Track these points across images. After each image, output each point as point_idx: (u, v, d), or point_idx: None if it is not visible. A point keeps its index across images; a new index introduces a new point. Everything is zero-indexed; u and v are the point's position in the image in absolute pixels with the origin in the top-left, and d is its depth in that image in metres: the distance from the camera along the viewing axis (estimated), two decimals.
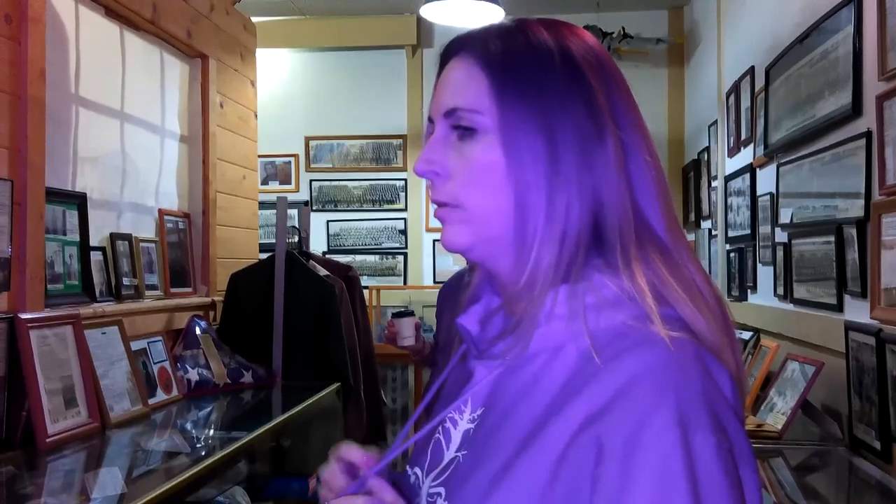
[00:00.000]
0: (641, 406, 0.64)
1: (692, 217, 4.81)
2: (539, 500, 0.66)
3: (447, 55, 0.82)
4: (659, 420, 0.63)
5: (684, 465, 0.62)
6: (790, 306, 2.72)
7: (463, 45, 0.80)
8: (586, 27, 5.02)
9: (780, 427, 2.18)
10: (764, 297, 3.11)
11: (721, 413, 0.66)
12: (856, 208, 2.10)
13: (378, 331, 5.17)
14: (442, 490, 0.75)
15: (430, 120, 0.81)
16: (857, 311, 2.10)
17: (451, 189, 0.77)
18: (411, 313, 2.70)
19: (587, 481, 0.64)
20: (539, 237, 0.73)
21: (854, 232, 2.10)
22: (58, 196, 2.33)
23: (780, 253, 2.82)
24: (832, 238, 2.26)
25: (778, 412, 2.26)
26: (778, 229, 2.88)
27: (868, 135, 2.03)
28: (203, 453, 2.11)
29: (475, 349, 0.80)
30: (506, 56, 0.76)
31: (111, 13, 2.67)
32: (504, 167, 0.75)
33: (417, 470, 0.81)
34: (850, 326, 2.06)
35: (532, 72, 0.75)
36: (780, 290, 2.82)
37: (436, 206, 0.80)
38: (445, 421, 0.80)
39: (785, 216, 2.75)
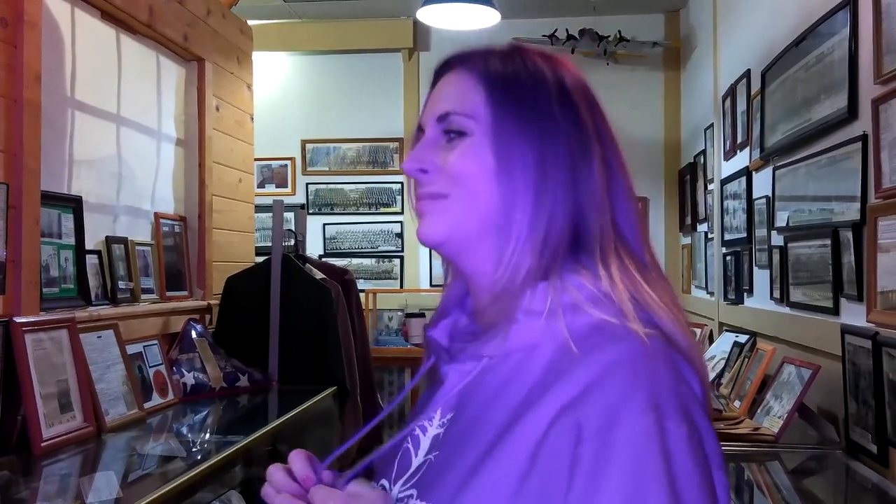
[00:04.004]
0: (618, 390, 0.68)
1: (688, 220, 4.82)
2: (516, 486, 0.68)
3: (442, 70, 0.86)
4: (635, 403, 0.67)
5: (659, 445, 0.65)
6: (786, 309, 2.72)
7: (460, 61, 0.85)
8: (582, 31, 5.03)
9: (776, 431, 2.18)
10: (760, 300, 3.11)
11: (690, 408, 0.70)
12: (852, 211, 2.10)
13: (374, 335, 5.17)
14: (413, 491, 0.76)
15: (420, 128, 0.85)
16: (854, 315, 2.10)
17: (439, 180, 0.81)
18: (422, 315, 2.93)
19: (565, 464, 0.66)
20: (521, 243, 0.77)
21: (850, 235, 2.10)
22: (53, 199, 2.32)
23: (776, 256, 2.82)
24: (828, 241, 2.26)
25: (774, 416, 2.26)
26: (774, 232, 2.88)
27: (864, 138, 2.03)
28: (199, 457, 2.10)
29: (447, 356, 0.82)
30: (505, 74, 0.81)
31: (107, 17, 2.67)
32: (492, 172, 0.79)
33: (384, 482, 0.81)
34: (846, 330, 2.06)
35: (529, 92, 0.80)
36: (777, 294, 2.82)
37: (417, 201, 0.83)
38: (415, 430, 0.81)
39: (781, 219, 2.76)
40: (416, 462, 0.78)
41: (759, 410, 2.36)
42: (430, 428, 0.80)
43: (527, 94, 0.80)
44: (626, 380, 0.68)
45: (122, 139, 2.81)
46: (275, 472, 0.80)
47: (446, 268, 0.91)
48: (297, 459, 0.80)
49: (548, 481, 0.67)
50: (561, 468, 0.67)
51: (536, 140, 0.78)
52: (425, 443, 0.79)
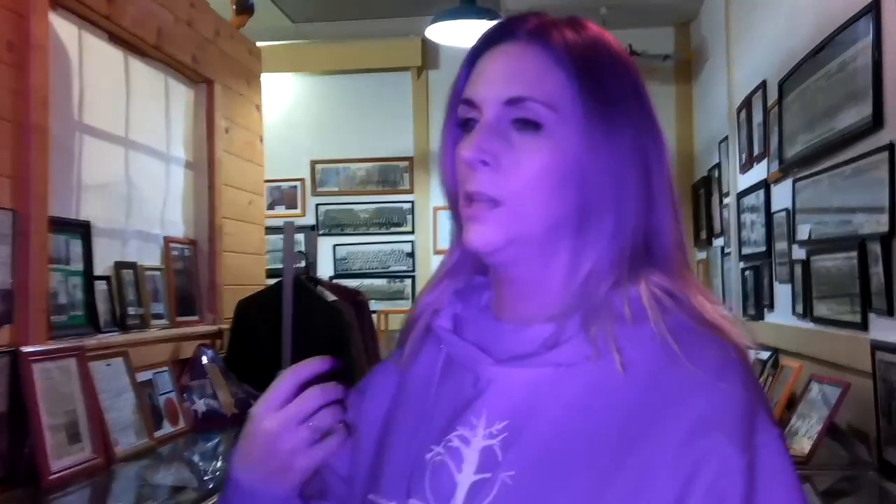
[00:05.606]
0: (747, 402, 0.66)
1: (704, 235, 4.76)
2: None
3: (499, 38, 0.75)
4: (762, 411, 0.67)
5: (785, 444, 0.68)
6: (811, 325, 2.65)
7: (524, 31, 0.73)
8: None
9: (806, 451, 2.11)
10: (782, 315, 3.04)
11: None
12: (879, 223, 2.04)
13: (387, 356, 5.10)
14: None
15: (470, 103, 0.74)
16: (884, 330, 2.03)
17: (499, 182, 0.71)
18: None
19: (716, 484, 0.63)
20: (601, 252, 0.71)
21: (878, 248, 2.04)
22: (61, 225, 2.29)
23: (798, 270, 2.76)
24: (854, 254, 2.20)
25: (803, 436, 2.19)
26: (795, 246, 2.82)
27: (891, 147, 1.97)
28: (211, 487, 2.05)
29: (488, 359, 0.73)
30: (588, 55, 0.72)
31: (115, 39, 2.64)
32: (570, 174, 0.71)
33: (415, 503, 0.70)
34: (876, 346, 2.00)
35: (616, 82, 0.73)
36: (800, 309, 2.75)
37: (468, 201, 0.73)
38: (450, 440, 0.71)
39: (803, 232, 2.69)
40: (466, 479, 0.68)
41: (786, 431, 2.29)
42: (473, 439, 0.69)
43: (615, 82, 0.72)
44: (749, 391, 0.67)
45: (131, 163, 2.78)
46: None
47: (457, 259, 0.80)
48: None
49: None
50: (713, 488, 0.63)
51: (626, 140, 0.71)
52: (471, 455, 0.69)
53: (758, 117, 3.35)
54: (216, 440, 2.64)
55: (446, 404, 0.74)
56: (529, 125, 0.71)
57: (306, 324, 3.15)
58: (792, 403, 2.38)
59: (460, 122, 0.75)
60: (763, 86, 3.25)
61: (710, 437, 0.64)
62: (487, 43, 0.75)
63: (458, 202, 0.75)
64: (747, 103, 3.51)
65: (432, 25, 3.51)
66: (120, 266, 2.63)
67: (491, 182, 0.71)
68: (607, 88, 0.72)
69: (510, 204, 0.71)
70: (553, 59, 0.71)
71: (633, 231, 0.71)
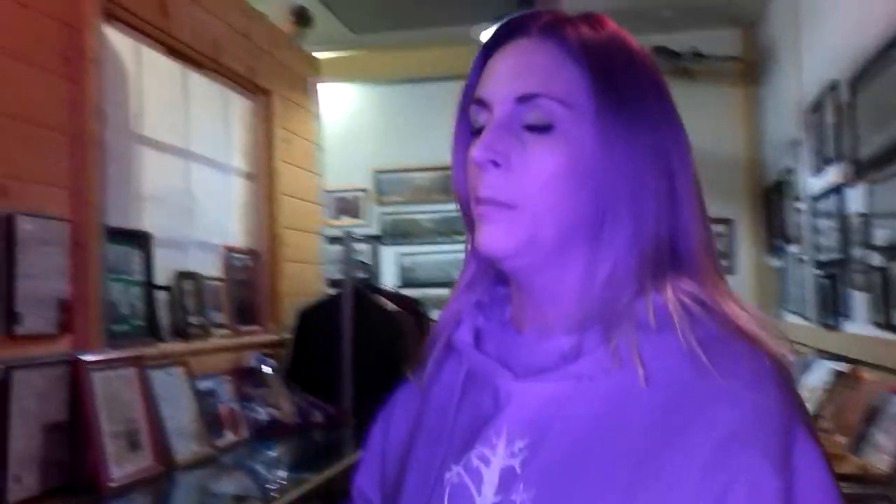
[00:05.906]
0: (783, 413, 0.62)
1: (776, 241, 4.60)
2: None
3: (510, 35, 0.71)
4: (799, 423, 0.62)
5: (823, 453, 0.62)
6: (891, 335, 2.52)
7: (537, 27, 0.70)
8: (655, 48, 4.88)
9: (885, 469, 1.99)
10: (860, 325, 2.90)
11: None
12: None
13: None
14: None
15: (480, 102, 0.71)
16: None
17: (510, 185, 0.67)
18: None
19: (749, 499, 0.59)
20: (620, 258, 0.66)
21: None
22: (122, 235, 2.32)
23: (876, 277, 2.63)
24: None
25: (883, 452, 2.07)
26: (873, 252, 2.68)
27: None
28: (273, 496, 2.04)
29: (508, 373, 0.69)
30: (604, 50, 0.68)
31: (173, 52, 2.67)
32: (585, 175, 0.67)
33: None
34: None
35: (634, 76, 0.68)
36: (879, 318, 2.62)
37: (477, 204, 0.70)
38: (470, 460, 0.68)
39: (881, 237, 2.57)
40: (485, 502, 0.65)
41: (864, 446, 2.17)
42: (494, 458, 0.66)
43: (631, 78, 0.68)
44: (784, 404, 0.62)
45: (191, 174, 2.81)
46: None
47: (474, 270, 0.79)
48: None
49: None
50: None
51: (643, 138, 0.66)
52: (491, 476, 0.66)
53: (830, 118, 3.22)
54: (277, 449, 2.64)
55: (467, 421, 0.72)
56: (541, 122, 0.67)
57: (367, 333, 3.13)
58: (871, 417, 2.25)
59: (471, 125, 0.73)
60: (834, 86, 3.12)
61: (740, 455, 0.59)
62: (499, 40, 0.72)
63: (470, 208, 0.73)
64: (818, 104, 3.38)
65: (484, 30, 3.48)
66: (181, 276, 2.66)
67: (502, 185, 0.68)
68: (623, 84, 0.67)
69: (523, 208, 0.67)
70: (566, 53, 0.68)
71: (655, 235, 0.67)
